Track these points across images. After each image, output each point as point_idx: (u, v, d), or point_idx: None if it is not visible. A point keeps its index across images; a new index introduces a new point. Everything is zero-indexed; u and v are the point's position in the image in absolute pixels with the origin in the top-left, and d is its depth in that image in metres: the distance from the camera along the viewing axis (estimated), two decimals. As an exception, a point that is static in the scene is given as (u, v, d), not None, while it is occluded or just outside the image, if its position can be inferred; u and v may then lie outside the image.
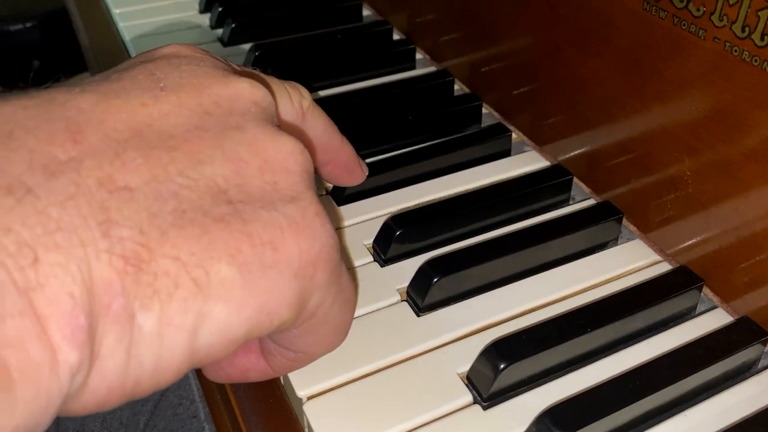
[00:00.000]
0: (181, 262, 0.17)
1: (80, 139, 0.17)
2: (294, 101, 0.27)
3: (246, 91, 0.22)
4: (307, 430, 0.28)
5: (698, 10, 0.29)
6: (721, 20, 0.28)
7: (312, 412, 0.27)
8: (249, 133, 0.20)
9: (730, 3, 0.28)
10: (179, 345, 0.17)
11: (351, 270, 0.35)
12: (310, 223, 0.20)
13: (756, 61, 0.27)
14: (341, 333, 0.26)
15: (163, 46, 0.23)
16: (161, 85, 0.20)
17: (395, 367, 0.30)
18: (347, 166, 0.35)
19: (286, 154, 0.21)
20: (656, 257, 0.35)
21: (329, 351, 0.27)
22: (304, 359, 0.26)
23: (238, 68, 0.26)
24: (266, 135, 0.21)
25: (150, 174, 0.17)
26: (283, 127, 0.27)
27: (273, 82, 0.27)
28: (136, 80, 0.20)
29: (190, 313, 0.17)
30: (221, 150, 0.19)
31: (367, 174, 0.37)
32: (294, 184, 0.21)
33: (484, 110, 0.46)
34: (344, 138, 0.33)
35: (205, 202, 0.18)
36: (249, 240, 0.18)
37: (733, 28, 0.28)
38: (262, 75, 0.27)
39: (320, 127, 0.30)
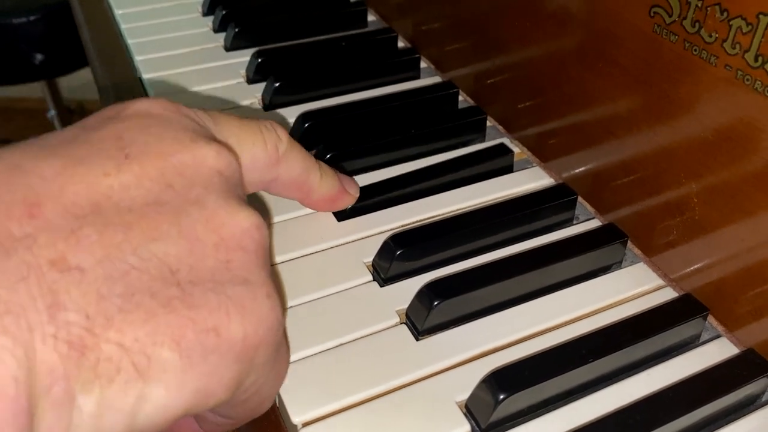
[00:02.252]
0: (125, 348, 0.17)
1: (37, 213, 0.17)
2: (269, 146, 0.28)
3: (211, 159, 0.22)
4: (301, 458, 0.27)
5: (710, 36, 0.29)
6: (734, 48, 0.28)
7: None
8: (208, 209, 0.21)
9: (744, 31, 0.27)
10: (118, 426, 0.17)
11: (349, 291, 0.34)
12: (258, 307, 0.21)
13: (768, 92, 0.27)
14: (268, 402, 0.26)
15: (135, 101, 0.23)
16: (126, 152, 0.20)
17: (393, 394, 0.29)
18: (329, 199, 0.35)
19: (243, 231, 0.21)
20: (660, 282, 0.35)
21: (256, 416, 0.27)
22: (233, 424, 0.27)
23: (210, 120, 0.25)
24: (225, 211, 0.21)
25: (103, 252, 0.18)
26: (253, 177, 0.28)
27: (247, 129, 0.27)
28: (102, 145, 0.20)
29: (130, 397, 0.17)
30: (178, 227, 0.20)
31: (357, 196, 0.37)
32: (247, 263, 0.21)
33: (488, 123, 0.45)
34: (325, 171, 0.33)
35: (154, 284, 0.18)
36: (193, 325, 0.19)
37: (746, 56, 0.27)
38: (235, 123, 0.26)
39: (297, 168, 0.30)
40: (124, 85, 0.55)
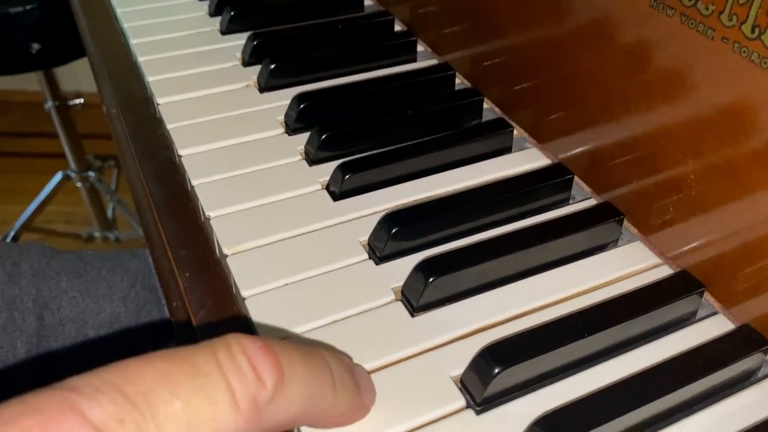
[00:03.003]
0: None
1: None
2: (241, 404, 0.20)
3: None
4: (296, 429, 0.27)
5: (707, 8, 0.29)
6: (731, 20, 0.28)
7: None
8: None
9: (740, 2, 0.27)
10: None
11: (345, 269, 0.34)
12: None
13: (765, 63, 0.27)
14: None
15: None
16: None
17: (388, 369, 0.29)
18: (343, 418, 0.25)
19: None
20: (657, 260, 0.35)
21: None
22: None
23: (141, 419, 0.18)
24: None
25: None
26: None
27: (202, 398, 0.19)
28: None
29: None
30: None
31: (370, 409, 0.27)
32: None
33: (485, 105, 0.45)
34: (341, 385, 0.24)
35: None
36: None
37: (742, 28, 0.27)
38: (181, 397, 0.19)
39: (294, 407, 0.21)
40: (121, 71, 0.54)
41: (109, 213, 1.40)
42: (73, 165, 1.29)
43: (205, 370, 0.19)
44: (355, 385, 0.25)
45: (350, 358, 0.29)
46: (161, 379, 0.19)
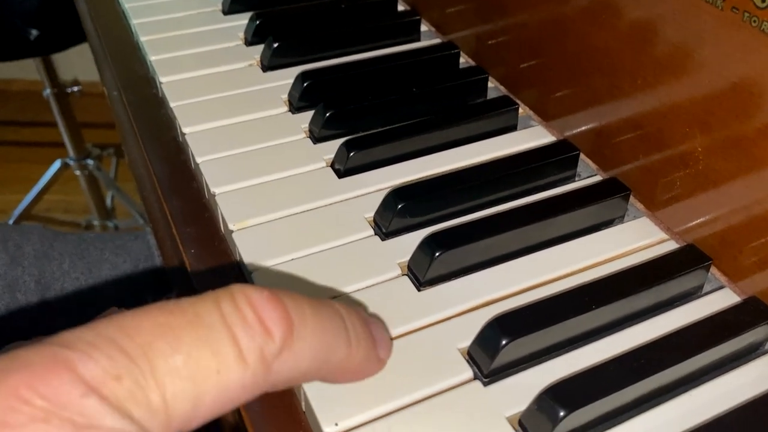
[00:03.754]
0: None
1: None
2: (249, 359, 0.18)
3: None
4: (303, 403, 0.27)
5: (717, -22, 0.28)
6: (741, -11, 0.27)
7: (309, 389, 0.27)
8: None
9: (751, -30, 0.27)
10: None
11: (350, 245, 0.34)
12: None
13: (776, 31, 0.26)
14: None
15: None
16: None
17: (395, 342, 0.29)
18: (355, 372, 0.24)
19: None
20: (663, 235, 0.35)
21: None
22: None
23: (137, 370, 0.17)
24: None
25: None
26: (222, 409, 0.18)
27: (206, 348, 0.18)
28: None
29: None
30: None
31: (390, 353, 0.27)
32: None
33: (490, 84, 0.45)
34: (357, 335, 0.22)
35: None
36: None
37: (752, -3, 0.27)
38: (183, 350, 0.18)
39: (306, 360, 0.20)
40: (122, 52, 0.54)
41: (108, 201, 1.40)
42: (71, 153, 1.28)
43: (208, 321, 0.18)
44: (370, 336, 0.23)
45: (365, 309, 0.28)
46: (160, 331, 0.17)
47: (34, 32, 1.03)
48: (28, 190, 1.34)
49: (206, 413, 0.18)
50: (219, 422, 0.34)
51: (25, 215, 1.34)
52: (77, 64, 1.45)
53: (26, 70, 1.39)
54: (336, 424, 0.26)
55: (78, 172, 1.30)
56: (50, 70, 1.19)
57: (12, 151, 1.69)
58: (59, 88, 1.21)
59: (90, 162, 1.29)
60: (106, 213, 1.39)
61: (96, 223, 1.39)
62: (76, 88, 1.26)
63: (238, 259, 0.34)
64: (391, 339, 0.26)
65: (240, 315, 0.19)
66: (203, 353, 0.18)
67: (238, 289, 0.19)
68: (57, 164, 1.31)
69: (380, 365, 0.25)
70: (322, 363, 0.21)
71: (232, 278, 0.34)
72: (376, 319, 0.26)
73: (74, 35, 1.05)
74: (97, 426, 0.16)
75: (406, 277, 0.32)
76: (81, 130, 1.29)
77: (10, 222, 1.31)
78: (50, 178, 1.32)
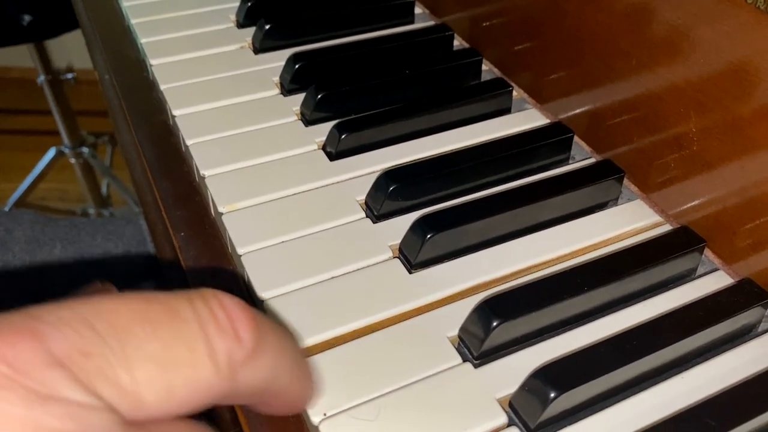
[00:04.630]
0: None
1: None
2: (220, 359, 0.18)
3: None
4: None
5: (713, -46, 0.28)
6: (737, -35, 0.27)
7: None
8: None
9: (748, -54, 0.26)
10: None
11: (341, 227, 0.33)
12: None
13: (772, 8, 0.26)
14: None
15: None
16: None
17: (387, 324, 0.29)
18: (290, 401, 0.23)
19: None
20: (657, 218, 0.34)
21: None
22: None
23: (108, 349, 0.17)
24: None
25: None
26: (185, 410, 0.18)
27: (180, 343, 0.17)
28: None
29: None
30: None
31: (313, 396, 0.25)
32: None
33: (484, 67, 0.45)
34: (302, 368, 0.22)
35: None
36: None
37: (749, -27, 0.26)
38: (157, 342, 0.17)
39: (262, 375, 0.19)
40: (113, 35, 0.53)
41: (104, 189, 1.39)
42: (66, 141, 1.28)
43: (183, 316, 0.18)
44: (309, 371, 0.23)
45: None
46: (137, 317, 0.17)
47: (27, 18, 1.02)
48: (23, 178, 1.33)
49: (176, 407, 0.17)
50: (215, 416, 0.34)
51: (20, 203, 1.33)
52: (71, 51, 1.44)
53: (21, 58, 1.38)
54: (324, 414, 0.25)
55: (73, 160, 1.30)
56: (44, 57, 1.18)
57: (6, 139, 1.68)
58: (53, 75, 1.20)
59: (85, 150, 1.29)
60: (102, 201, 1.39)
61: (91, 211, 1.38)
62: (70, 75, 1.25)
63: (228, 242, 0.34)
64: (315, 385, 0.25)
65: (213, 315, 0.18)
66: (179, 346, 0.17)
67: (210, 292, 0.19)
68: (52, 152, 1.30)
69: (306, 403, 0.24)
70: (272, 383, 0.20)
71: (224, 260, 0.34)
72: (310, 363, 0.26)
73: (67, 21, 1.04)
74: (60, 398, 0.15)
75: (398, 260, 0.32)
76: (76, 118, 1.28)
77: (6, 210, 1.30)
78: (45, 166, 1.31)
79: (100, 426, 0.16)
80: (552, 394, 0.25)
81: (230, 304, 0.19)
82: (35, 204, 1.43)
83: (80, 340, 0.16)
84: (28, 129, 1.71)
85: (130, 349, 0.17)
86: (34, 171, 1.32)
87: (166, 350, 0.17)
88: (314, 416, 0.25)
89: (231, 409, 0.30)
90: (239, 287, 0.32)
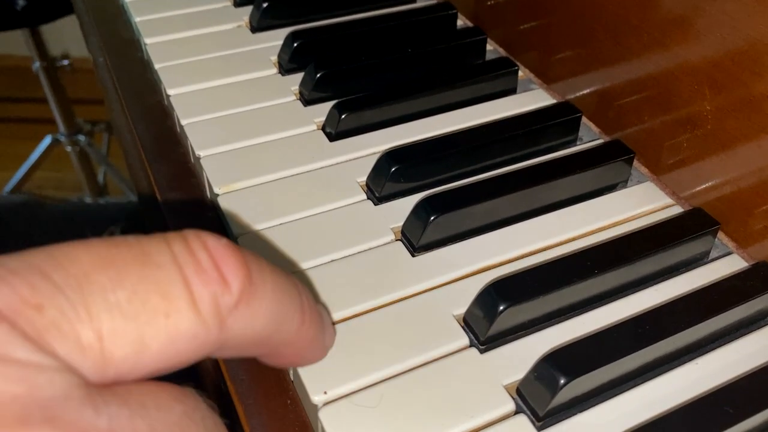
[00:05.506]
0: None
1: None
2: (202, 308, 0.16)
3: None
4: (291, 371, 0.26)
5: None
6: (758, -68, 0.26)
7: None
8: None
9: None
10: None
11: (341, 209, 0.32)
12: None
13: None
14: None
15: None
16: None
17: (389, 308, 0.28)
18: (304, 351, 0.21)
19: None
20: (668, 200, 0.33)
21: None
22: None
23: (62, 297, 0.15)
24: None
25: None
26: (163, 366, 0.16)
27: (153, 290, 0.15)
28: None
29: None
30: None
31: (330, 347, 0.24)
32: None
33: (488, 47, 0.43)
34: (310, 313, 0.20)
35: None
36: None
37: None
38: (126, 286, 0.15)
39: (260, 322, 0.18)
40: (107, 15, 0.52)
41: (100, 178, 1.38)
42: (62, 128, 1.26)
43: (157, 260, 0.15)
44: (321, 318, 0.21)
45: (316, 295, 0.27)
46: (101, 263, 0.15)
47: (21, 2, 1.00)
48: (19, 167, 1.31)
49: (151, 364, 0.15)
50: (201, 381, 0.32)
51: (16, 192, 1.32)
52: (67, 39, 1.42)
53: (16, 46, 1.36)
54: (325, 392, 0.24)
55: (69, 148, 1.28)
56: (39, 43, 1.16)
57: (1, 128, 1.67)
58: (48, 61, 1.19)
59: (81, 138, 1.27)
60: (98, 190, 1.37)
61: (88, 200, 1.37)
62: (65, 62, 1.23)
63: (224, 224, 0.32)
64: (334, 331, 0.24)
65: (193, 258, 0.16)
66: (150, 293, 0.15)
67: (191, 233, 0.17)
68: (48, 140, 1.29)
69: (323, 353, 0.23)
70: (274, 331, 0.18)
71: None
72: (323, 306, 0.24)
73: (62, 5, 1.03)
74: (6, 358, 0.13)
75: (400, 243, 0.31)
76: (72, 106, 1.27)
77: (1, 199, 1.29)
78: (41, 153, 1.29)
79: (51, 388, 0.14)
80: (562, 381, 0.23)
81: (215, 244, 0.17)
82: (32, 193, 1.41)
83: (31, 291, 0.14)
84: (23, 117, 1.69)
85: (92, 299, 0.14)
86: (30, 158, 1.30)
87: (135, 299, 0.15)
88: (314, 395, 0.24)
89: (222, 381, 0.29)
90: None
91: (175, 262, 0.16)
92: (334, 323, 0.27)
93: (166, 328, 0.15)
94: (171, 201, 0.33)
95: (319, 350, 0.22)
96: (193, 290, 0.16)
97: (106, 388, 0.15)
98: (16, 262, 0.14)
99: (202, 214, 0.34)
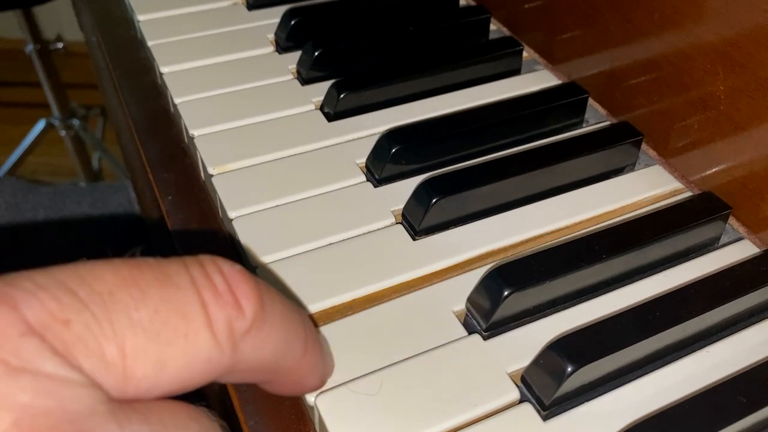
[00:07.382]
0: None
1: None
2: (217, 331, 0.16)
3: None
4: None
5: None
6: None
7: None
8: None
9: None
10: None
11: (340, 191, 0.31)
12: None
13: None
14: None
15: None
16: None
17: (389, 293, 0.27)
18: (304, 380, 0.21)
19: None
20: (677, 184, 0.32)
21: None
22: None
23: (90, 317, 0.15)
24: None
25: None
26: (176, 387, 0.16)
27: (174, 314, 0.16)
28: None
29: None
30: None
31: (329, 377, 0.23)
32: None
33: (492, 27, 0.42)
34: (312, 342, 0.20)
35: None
36: None
37: None
38: (148, 309, 0.15)
39: (269, 348, 0.18)
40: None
41: (95, 163, 1.36)
42: (56, 112, 1.24)
43: (177, 282, 0.16)
44: (321, 346, 0.21)
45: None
46: (124, 283, 0.15)
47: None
48: (12, 151, 1.30)
49: (168, 383, 0.16)
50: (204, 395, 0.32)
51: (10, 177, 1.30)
52: (61, 22, 1.40)
53: (9, 28, 1.34)
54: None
55: (63, 133, 1.26)
56: (32, 25, 1.14)
57: (-5, 112, 1.65)
58: (42, 44, 1.17)
59: (75, 122, 1.25)
60: (93, 175, 1.36)
61: (83, 185, 1.35)
62: (59, 45, 1.21)
63: (218, 205, 0.31)
64: (333, 362, 0.24)
65: (210, 282, 0.17)
66: (171, 312, 0.16)
67: (207, 258, 0.17)
68: (41, 124, 1.27)
69: (322, 382, 0.23)
70: (281, 358, 0.19)
71: (214, 225, 0.32)
72: (324, 337, 0.24)
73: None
74: (34, 370, 0.13)
75: (401, 226, 0.30)
76: (66, 91, 1.25)
77: (-6, 184, 1.27)
78: (35, 138, 1.28)
79: (79, 403, 0.14)
80: (569, 368, 0.23)
81: (230, 270, 0.17)
82: (26, 178, 1.40)
83: (59, 307, 0.14)
84: (17, 101, 1.67)
85: (116, 317, 0.15)
86: (23, 143, 1.29)
87: (157, 318, 0.15)
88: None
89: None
90: (230, 253, 0.30)
91: (193, 285, 0.16)
92: (332, 308, 0.26)
93: (185, 348, 0.16)
94: (182, 233, 0.32)
95: (318, 379, 0.22)
96: (210, 312, 0.16)
97: (127, 405, 0.15)
98: (44, 278, 0.15)
99: (195, 196, 0.33)
